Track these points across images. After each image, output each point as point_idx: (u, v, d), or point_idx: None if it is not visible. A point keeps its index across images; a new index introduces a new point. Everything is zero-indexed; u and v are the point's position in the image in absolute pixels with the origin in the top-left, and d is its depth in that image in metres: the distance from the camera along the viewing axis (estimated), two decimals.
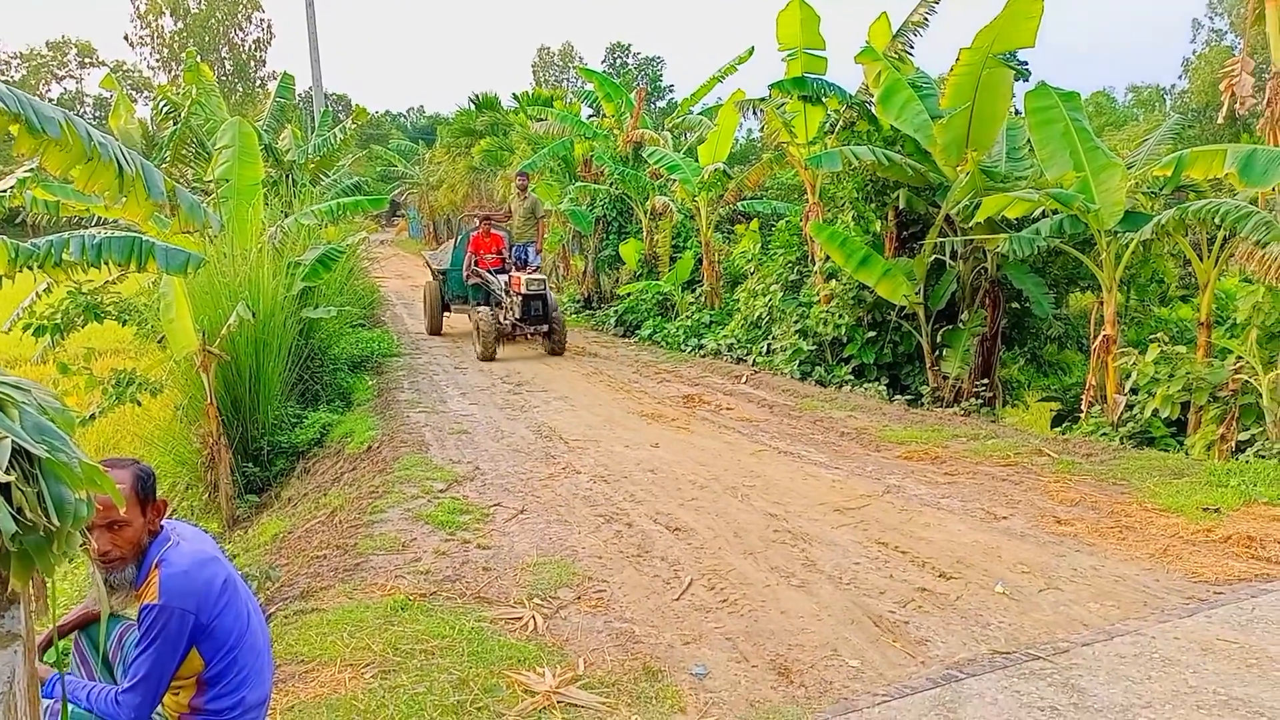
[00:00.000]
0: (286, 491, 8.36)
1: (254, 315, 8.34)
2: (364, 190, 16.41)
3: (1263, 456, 6.66)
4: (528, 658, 3.90)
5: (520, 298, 12.39)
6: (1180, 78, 43.01)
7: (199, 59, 15.15)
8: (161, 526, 2.57)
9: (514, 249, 13.59)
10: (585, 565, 5.02)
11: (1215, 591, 4.42)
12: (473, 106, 26.33)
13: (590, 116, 20.78)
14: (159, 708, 2.50)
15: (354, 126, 16.27)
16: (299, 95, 31.78)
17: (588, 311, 17.22)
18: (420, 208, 40.02)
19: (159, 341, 9.70)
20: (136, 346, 11.96)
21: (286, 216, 11.54)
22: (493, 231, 13.86)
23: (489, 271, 13.37)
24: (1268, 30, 7.33)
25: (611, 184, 16.27)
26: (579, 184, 17.76)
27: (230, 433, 8.70)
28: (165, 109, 14.15)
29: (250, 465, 8.91)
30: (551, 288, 13.75)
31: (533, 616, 4.33)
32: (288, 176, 14.93)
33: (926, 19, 11.44)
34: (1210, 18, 42.87)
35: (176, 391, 9.14)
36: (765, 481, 6.60)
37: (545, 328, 12.56)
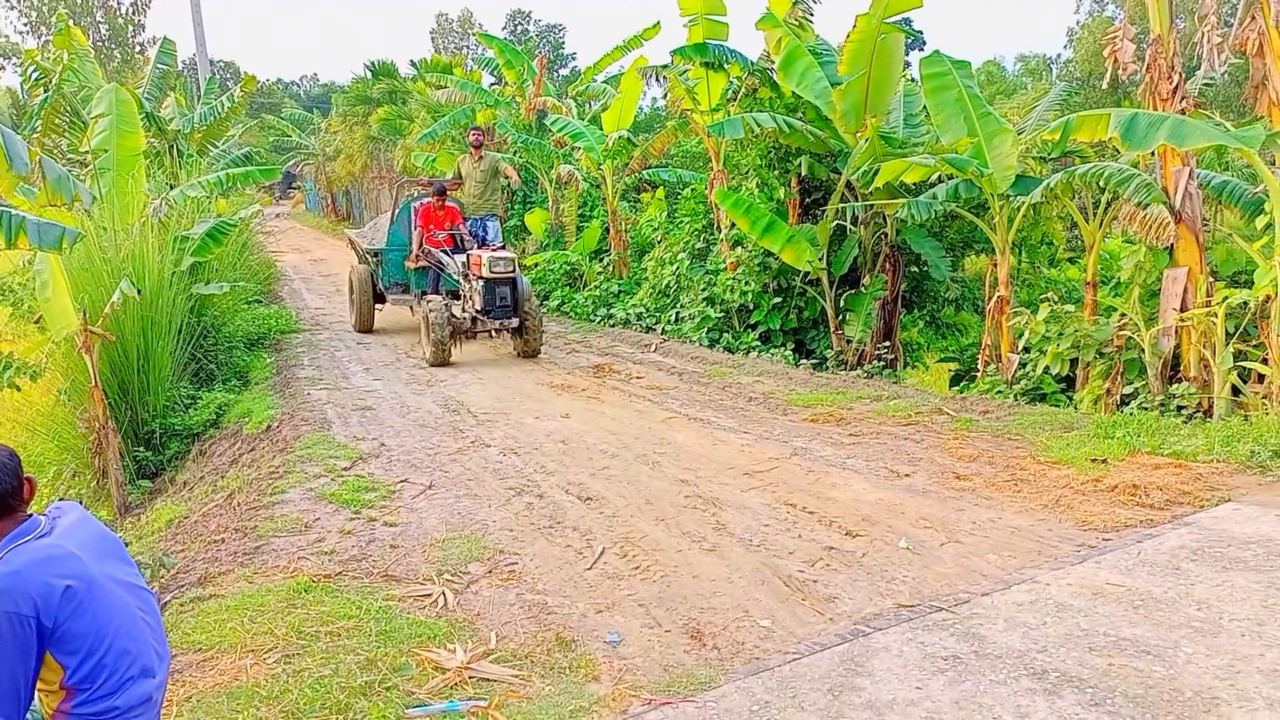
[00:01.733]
0: (182, 475, 8.03)
1: (139, 292, 7.93)
2: (256, 161, 15.77)
3: (1145, 408, 6.99)
4: (438, 634, 3.83)
5: (482, 283, 9.89)
6: (1065, 47, 44.57)
7: (70, 22, 14.23)
8: (29, 515, 2.37)
9: (470, 223, 11.51)
10: (496, 539, 4.96)
11: (1104, 538, 4.63)
12: (369, 74, 25.51)
13: (492, 84, 20.39)
14: (37, 708, 2.35)
15: (243, 94, 15.55)
16: (182, 62, 30.26)
17: None
18: (317, 179, 38.72)
19: (36, 322, 9.16)
20: (13, 329, 11.28)
21: (172, 188, 11.01)
22: (447, 204, 11.30)
23: (442, 252, 10.94)
24: None
25: (515, 153, 16.01)
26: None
27: (119, 416, 8.29)
28: (35, 76, 13.26)
29: (142, 449, 8.52)
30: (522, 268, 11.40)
31: (442, 593, 4.25)
32: (172, 147, 14.23)
33: None
34: None
35: (58, 375, 8.67)
36: (676, 448, 6.63)
37: (515, 321, 10.11)
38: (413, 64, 22.97)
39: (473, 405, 8.11)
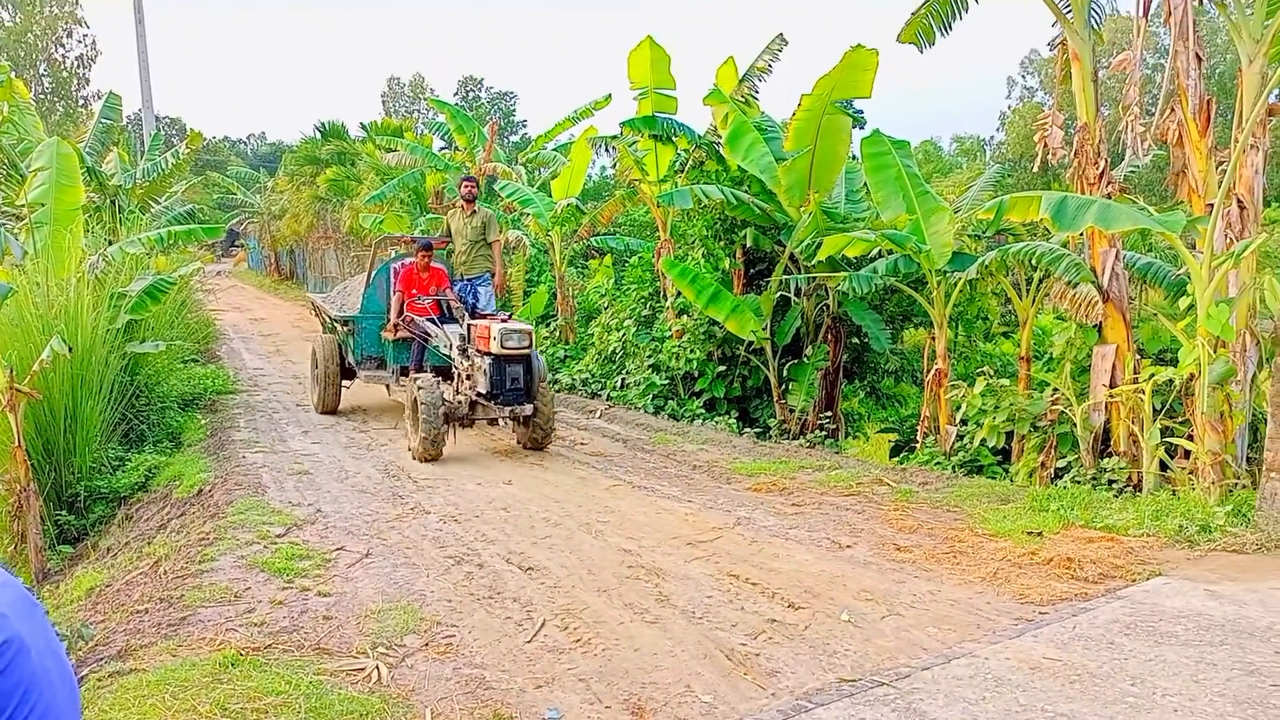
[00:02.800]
0: (105, 541, 7.73)
1: (70, 350, 7.72)
2: (199, 218, 15.60)
3: (1078, 482, 7.16)
4: (370, 711, 3.70)
5: (490, 360, 8.22)
6: (998, 130, 46.48)
7: (12, 74, 14.06)
8: None
9: (459, 287, 9.96)
10: (434, 609, 4.84)
11: (1040, 612, 4.68)
12: (319, 134, 25.52)
13: (442, 149, 20.54)
14: None
15: (188, 151, 15.45)
16: (128, 117, 29.98)
17: None
18: (261, 238, 38.37)
19: None
20: None
21: (110, 244, 10.80)
22: (433, 265, 9.75)
23: (428, 320, 9.35)
24: (1074, 88, 7.99)
25: None
26: (430, 216, 17.45)
27: (41, 478, 7.99)
28: None
29: (64, 513, 8.20)
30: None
31: (376, 667, 4.13)
32: (113, 202, 14.01)
33: (770, 65, 11.91)
34: (1023, 75, 46.59)
35: None
36: (619, 517, 6.58)
37: (529, 409, 8.38)
38: (363, 126, 23.05)
39: (413, 471, 7.98)
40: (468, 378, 8.52)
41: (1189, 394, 6.68)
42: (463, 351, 8.60)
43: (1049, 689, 3.83)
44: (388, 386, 10.48)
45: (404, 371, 9.82)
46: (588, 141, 13.64)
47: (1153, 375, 6.85)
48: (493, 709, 3.76)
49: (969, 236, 9.68)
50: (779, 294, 10.46)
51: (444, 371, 9.15)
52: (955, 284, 8.71)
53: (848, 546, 5.82)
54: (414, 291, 9.58)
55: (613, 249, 15.28)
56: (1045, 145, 8.29)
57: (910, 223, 8.91)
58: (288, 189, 29.31)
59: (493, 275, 10.29)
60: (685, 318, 11.07)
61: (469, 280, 10.14)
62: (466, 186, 10.60)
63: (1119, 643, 4.24)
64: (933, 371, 8.88)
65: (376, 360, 10.34)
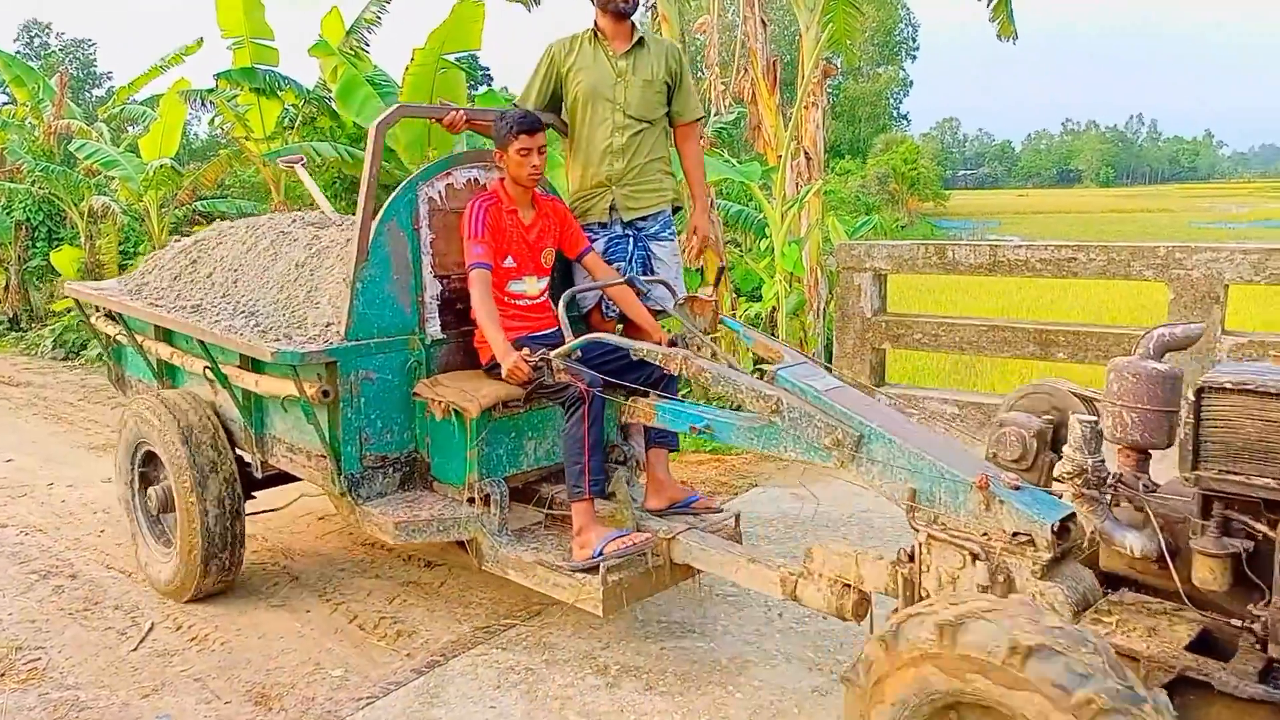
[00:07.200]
0: None
1: None
2: None
3: None
4: None
5: None
6: None
7: None
8: None
9: (606, 239, 4.16)
10: (12, 634, 4.20)
11: None
12: None
13: (2, 104, 17.50)
14: None
15: None
16: None
17: (16, 333, 14.51)
18: None
19: None
20: None
21: None
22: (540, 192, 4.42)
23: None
24: None
25: (34, 183, 13.87)
26: None
27: None
28: None
29: None
30: None
31: None
32: None
33: (379, 16, 11.47)
34: None
35: None
36: None
37: None
38: None
39: None
40: None
41: (774, 325, 7.55)
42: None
43: (669, 596, 4.18)
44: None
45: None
46: (180, 95, 12.31)
47: (745, 310, 7.65)
48: None
49: None
50: None
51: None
52: None
53: None
54: (511, 260, 3.89)
55: (222, 213, 14.00)
56: None
57: None
58: None
59: (682, 210, 4.90)
60: None
61: (633, 225, 4.41)
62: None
63: None
64: None
65: (400, 461, 3.97)
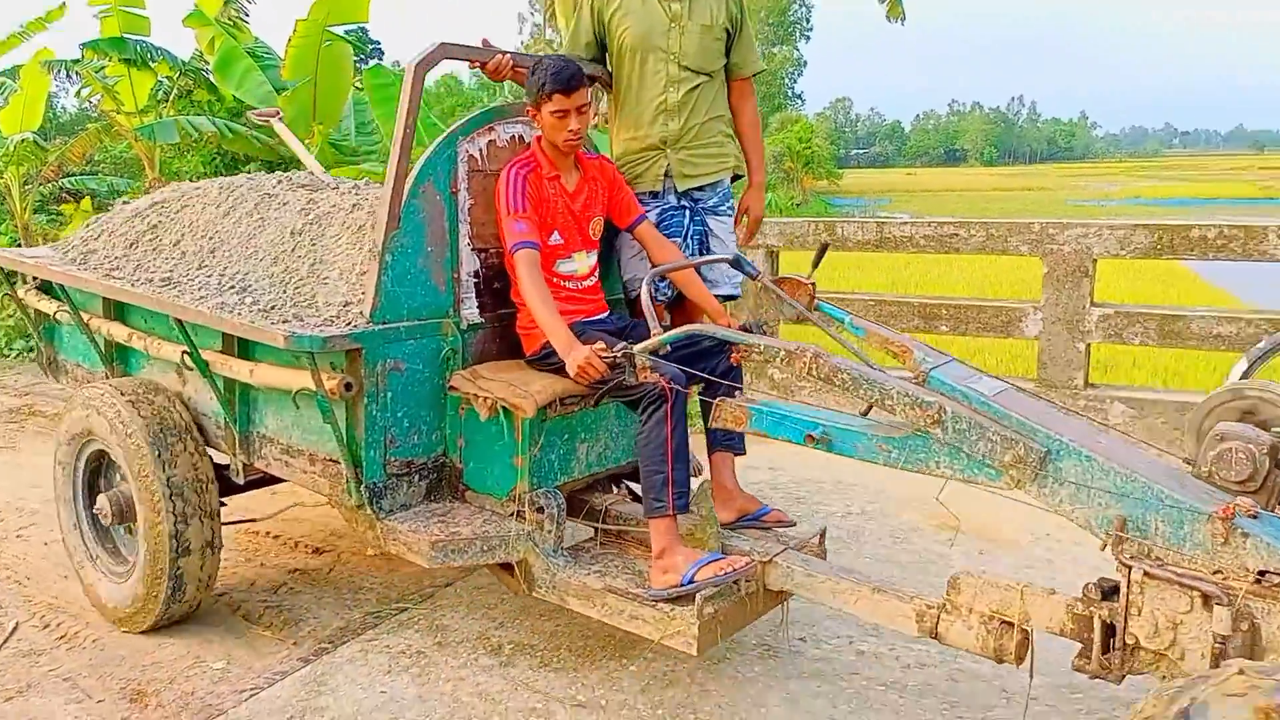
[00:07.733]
0: None
1: None
2: None
3: None
4: None
5: None
6: None
7: None
8: None
9: (660, 209, 4.35)
10: None
11: None
12: None
13: None
14: None
15: None
16: None
17: None
18: None
19: None
20: None
21: None
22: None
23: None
24: (559, 24, 8.50)
25: None
26: None
27: None
28: None
29: None
30: None
31: None
32: None
33: None
34: (532, 12, 48.87)
35: None
36: None
37: None
38: None
39: None
40: None
41: None
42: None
43: None
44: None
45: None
46: (42, 65, 11.55)
47: None
48: None
49: None
50: None
51: None
52: None
53: None
54: (557, 236, 3.36)
55: (93, 191, 13.27)
56: None
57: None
58: None
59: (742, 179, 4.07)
60: None
61: (689, 195, 3.82)
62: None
63: None
64: None
65: (427, 467, 3.35)
